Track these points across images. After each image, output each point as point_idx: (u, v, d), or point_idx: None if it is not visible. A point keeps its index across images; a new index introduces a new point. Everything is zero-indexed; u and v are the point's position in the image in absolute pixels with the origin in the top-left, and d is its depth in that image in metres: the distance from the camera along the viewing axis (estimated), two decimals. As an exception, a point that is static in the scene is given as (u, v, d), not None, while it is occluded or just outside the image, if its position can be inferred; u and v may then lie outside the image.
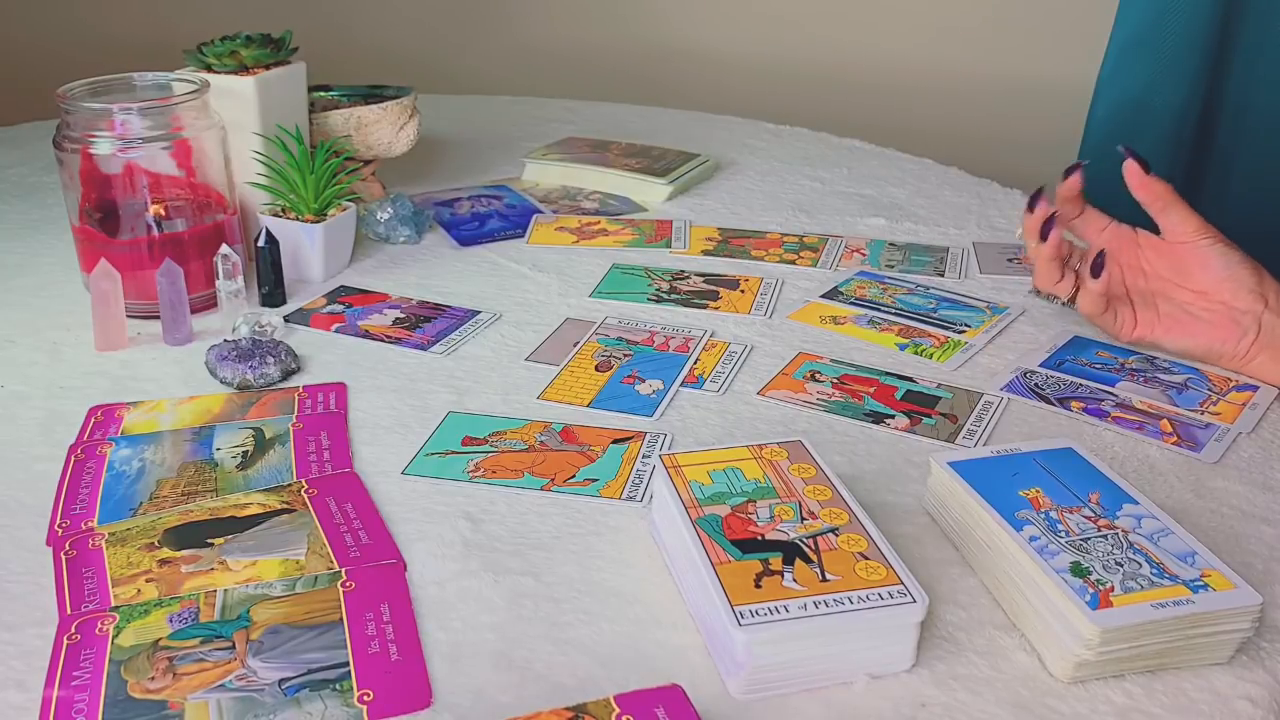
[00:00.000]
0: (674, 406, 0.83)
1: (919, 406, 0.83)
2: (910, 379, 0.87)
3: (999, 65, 1.74)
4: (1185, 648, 0.57)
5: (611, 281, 1.04)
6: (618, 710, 0.52)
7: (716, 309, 0.99)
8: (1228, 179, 1.42)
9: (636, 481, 0.73)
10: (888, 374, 0.87)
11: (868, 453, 0.77)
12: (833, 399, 0.84)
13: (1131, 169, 0.87)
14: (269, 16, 1.29)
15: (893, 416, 0.82)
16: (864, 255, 1.10)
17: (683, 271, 1.06)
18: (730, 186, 1.30)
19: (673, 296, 1.01)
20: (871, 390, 0.85)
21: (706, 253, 1.10)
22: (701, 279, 1.05)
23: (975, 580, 0.65)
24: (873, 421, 0.81)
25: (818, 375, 0.87)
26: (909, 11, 1.80)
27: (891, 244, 1.13)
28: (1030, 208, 0.89)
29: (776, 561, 0.58)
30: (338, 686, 0.56)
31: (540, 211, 1.21)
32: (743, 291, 1.02)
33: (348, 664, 0.57)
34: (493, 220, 1.19)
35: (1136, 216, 0.90)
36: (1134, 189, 0.87)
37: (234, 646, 0.58)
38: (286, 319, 0.95)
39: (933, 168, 1.37)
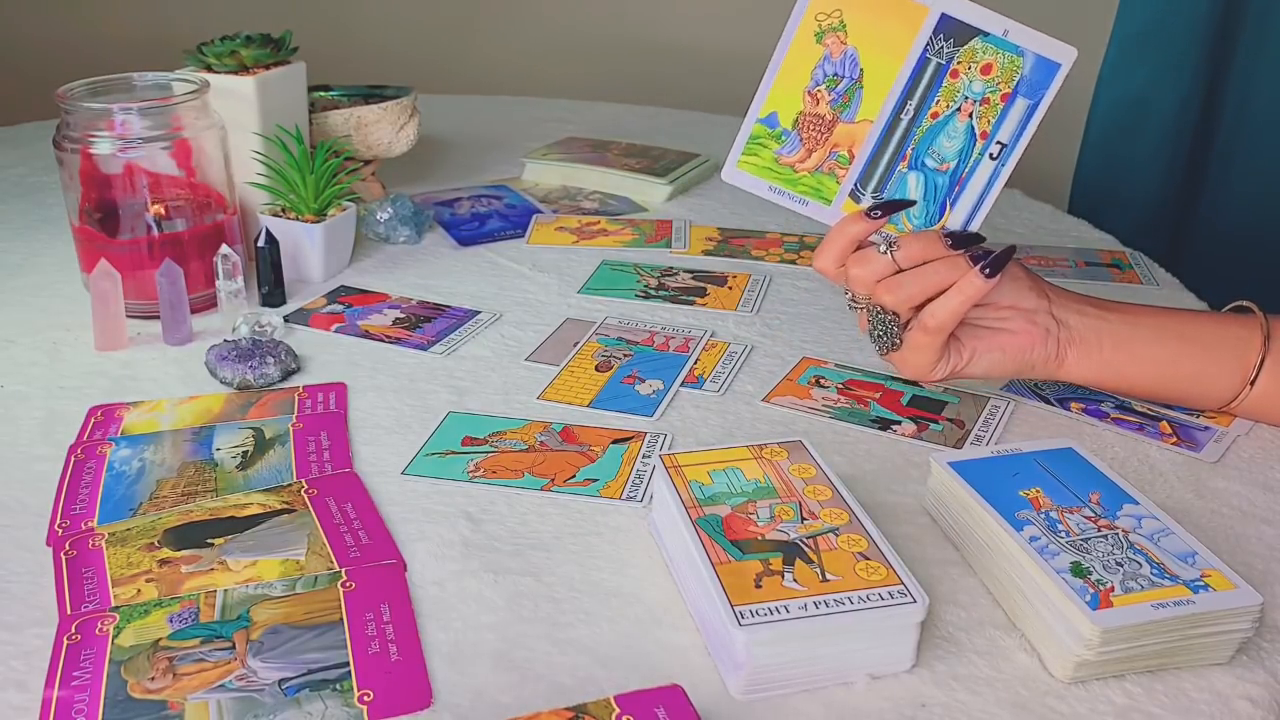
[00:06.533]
0: (674, 406, 0.83)
1: (925, 412, 0.82)
2: (916, 384, 0.86)
3: (999, 65, 1.74)
4: (1185, 648, 0.57)
5: (600, 278, 1.04)
6: (618, 710, 0.52)
7: (704, 305, 0.99)
8: (1228, 177, 1.42)
9: (636, 481, 0.73)
10: (893, 379, 0.87)
11: (868, 453, 0.77)
12: (838, 405, 0.83)
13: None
14: (269, 16, 1.29)
15: (899, 422, 0.81)
16: (864, 255, 1.10)
17: (671, 268, 1.07)
18: (730, 186, 1.30)
19: (660, 293, 1.01)
20: (877, 396, 0.84)
21: (707, 252, 1.10)
22: (690, 275, 1.05)
23: (975, 580, 0.65)
24: (879, 428, 0.80)
25: (822, 381, 0.87)
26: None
27: (892, 244, 1.13)
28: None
29: (776, 561, 0.58)
30: (338, 686, 0.56)
31: (540, 211, 1.21)
32: (730, 288, 1.02)
33: (348, 664, 0.57)
34: (493, 220, 1.18)
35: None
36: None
37: (234, 646, 0.58)
38: (286, 319, 0.95)
39: (933, 167, 1.37)
